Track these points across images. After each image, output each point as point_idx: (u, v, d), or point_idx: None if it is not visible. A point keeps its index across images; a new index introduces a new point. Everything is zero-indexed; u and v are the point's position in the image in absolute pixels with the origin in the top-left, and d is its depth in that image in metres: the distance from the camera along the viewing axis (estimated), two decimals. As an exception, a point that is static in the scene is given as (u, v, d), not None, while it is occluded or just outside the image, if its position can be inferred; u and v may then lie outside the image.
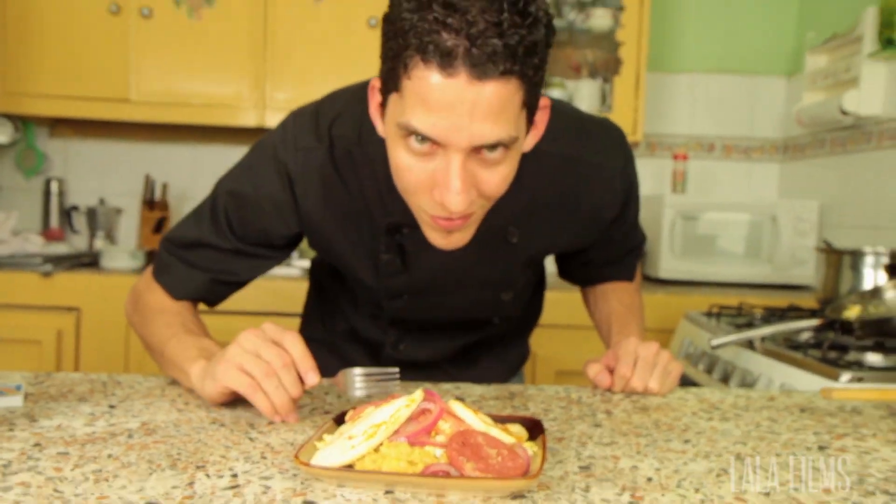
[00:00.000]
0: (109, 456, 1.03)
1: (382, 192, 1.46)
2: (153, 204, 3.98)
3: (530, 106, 1.21)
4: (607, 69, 3.95)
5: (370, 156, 1.45)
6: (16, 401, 1.25)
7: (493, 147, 1.18)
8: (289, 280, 3.20)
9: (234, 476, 0.97)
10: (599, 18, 3.75)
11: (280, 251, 1.59)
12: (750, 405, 1.42)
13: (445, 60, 1.10)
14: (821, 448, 1.17)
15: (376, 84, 1.27)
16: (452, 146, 1.16)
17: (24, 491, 0.90)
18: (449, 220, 1.26)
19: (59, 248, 3.51)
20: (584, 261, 1.77)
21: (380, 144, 1.39)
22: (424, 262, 1.53)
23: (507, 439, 0.99)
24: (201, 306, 1.63)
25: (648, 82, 3.92)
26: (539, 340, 3.14)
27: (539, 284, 1.88)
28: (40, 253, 3.35)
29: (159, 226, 3.93)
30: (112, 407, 1.27)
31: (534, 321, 1.93)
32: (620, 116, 3.68)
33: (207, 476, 0.97)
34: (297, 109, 1.53)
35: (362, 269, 1.57)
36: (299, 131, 1.48)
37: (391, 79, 1.18)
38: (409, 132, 1.17)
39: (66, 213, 4.04)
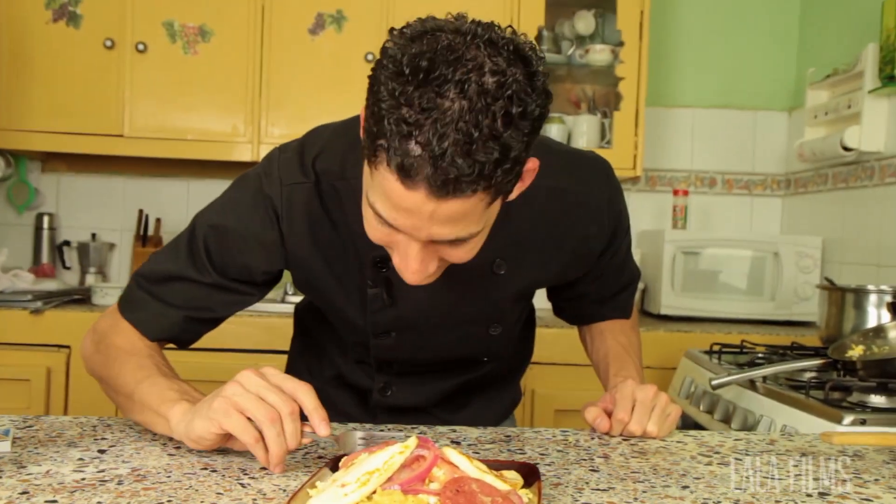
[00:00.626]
0: (97, 504, 1.01)
1: None
2: (146, 239, 3.96)
3: (505, 193, 1.18)
4: (607, 104, 3.96)
5: (354, 190, 1.43)
6: (3, 446, 1.23)
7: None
8: (282, 317, 3.15)
9: (223, 526, 0.95)
10: (599, 54, 3.76)
11: (259, 288, 1.56)
12: (750, 449, 1.40)
13: (406, 175, 1.07)
14: (821, 494, 1.15)
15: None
16: (413, 237, 1.16)
17: (7, 543, 0.88)
18: None
19: (50, 285, 3.47)
20: (577, 296, 1.76)
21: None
22: (412, 296, 1.51)
23: (502, 486, 0.97)
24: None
25: (648, 117, 3.92)
26: (537, 378, 3.13)
27: (528, 325, 1.86)
28: (30, 290, 3.31)
29: (152, 262, 3.89)
30: (102, 452, 1.25)
31: (524, 364, 1.91)
32: (620, 151, 3.68)
33: (195, 526, 0.95)
34: (282, 145, 1.52)
35: (349, 305, 1.55)
36: (285, 167, 1.47)
37: (367, 146, 1.13)
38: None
39: (58, 249, 4.01)
